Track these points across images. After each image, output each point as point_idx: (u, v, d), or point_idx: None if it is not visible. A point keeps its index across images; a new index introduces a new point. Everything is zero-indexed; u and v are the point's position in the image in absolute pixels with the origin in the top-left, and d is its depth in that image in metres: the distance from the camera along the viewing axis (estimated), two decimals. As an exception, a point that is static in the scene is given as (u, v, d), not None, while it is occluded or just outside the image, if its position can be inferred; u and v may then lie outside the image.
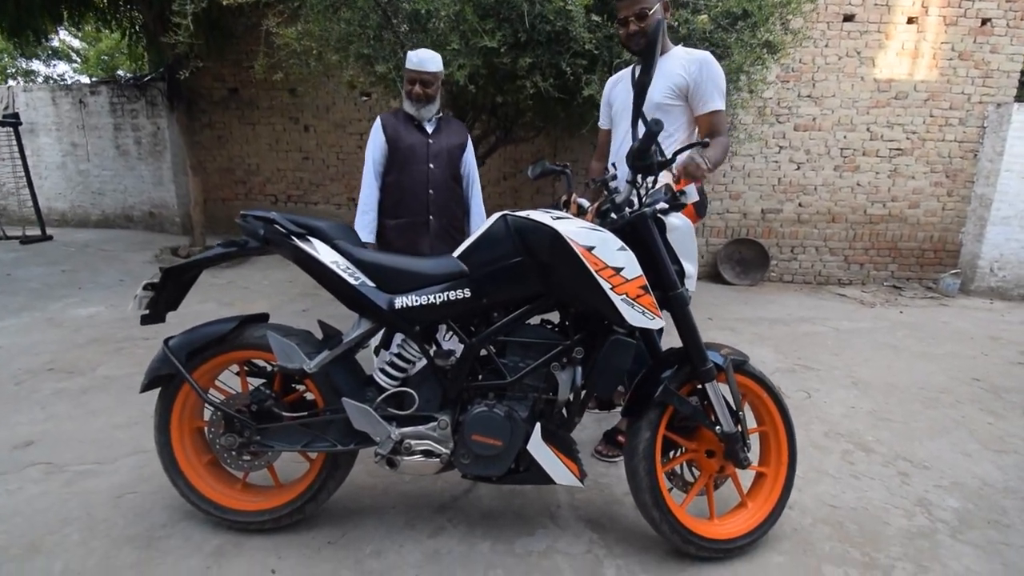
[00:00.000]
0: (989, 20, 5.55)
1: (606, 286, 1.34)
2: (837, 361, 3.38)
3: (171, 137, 6.83)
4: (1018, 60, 5.63)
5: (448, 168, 2.36)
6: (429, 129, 2.33)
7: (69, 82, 7.02)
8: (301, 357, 1.47)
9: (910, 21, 5.64)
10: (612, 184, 1.67)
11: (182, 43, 3.07)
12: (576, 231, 1.37)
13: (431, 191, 2.31)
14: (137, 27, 6.65)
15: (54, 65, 18.13)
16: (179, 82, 5.88)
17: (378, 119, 2.32)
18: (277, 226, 1.54)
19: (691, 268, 1.50)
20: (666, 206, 1.47)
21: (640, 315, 1.36)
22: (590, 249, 1.35)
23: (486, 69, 3.09)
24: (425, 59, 2.20)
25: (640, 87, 1.40)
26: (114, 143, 7.03)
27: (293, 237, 1.53)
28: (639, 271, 1.37)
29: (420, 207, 2.32)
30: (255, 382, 1.69)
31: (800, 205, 6.01)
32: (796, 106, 5.82)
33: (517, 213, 1.49)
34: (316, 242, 1.54)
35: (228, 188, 7.15)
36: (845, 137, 5.86)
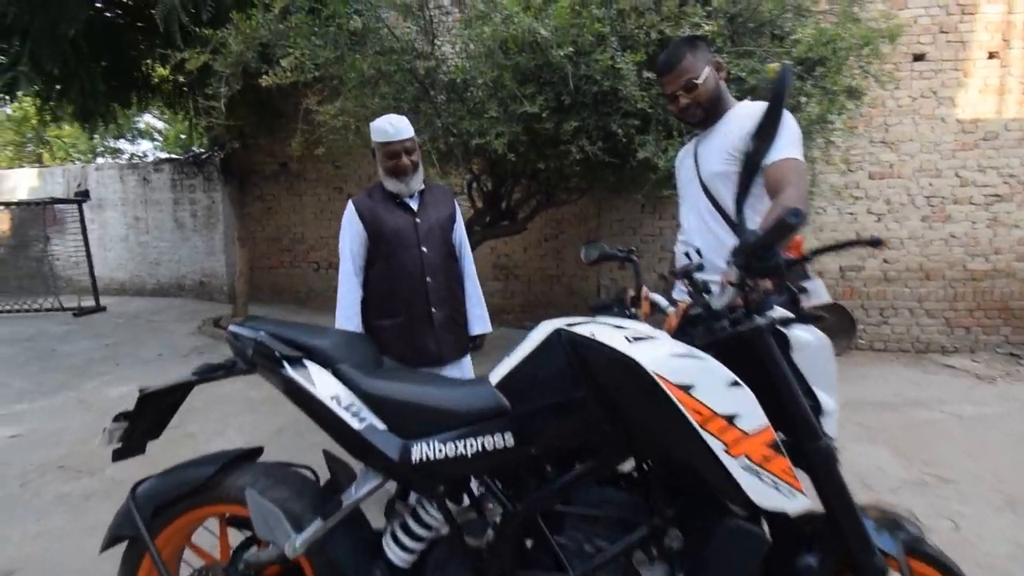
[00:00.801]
0: (1088, 50, 4.93)
1: (716, 445, 0.91)
2: (975, 465, 2.68)
3: (224, 210, 7.06)
4: None
5: (443, 247, 1.98)
6: (414, 205, 1.95)
7: (136, 161, 7.51)
8: (285, 530, 1.10)
9: (991, 56, 5.10)
10: (697, 276, 1.27)
11: (219, 124, 3.03)
12: (665, 361, 0.95)
13: (428, 279, 1.93)
14: (197, 109, 7.06)
15: (138, 143, 20.09)
16: (230, 158, 6.08)
17: (350, 204, 1.92)
18: (266, 347, 1.22)
19: (830, 402, 1.04)
20: (789, 315, 1.04)
21: (771, 489, 0.91)
22: (687, 389, 0.93)
23: (527, 135, 2.85)
24: (401, 127, 1.86)
25: (749, 162, 1.02)
26: (172, 216, 7.33)
27: (284, 363, 1.20)
28: (763, 420, 0.93)
29: (418, 300, 1.92)
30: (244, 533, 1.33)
31: (885, 261, 5.34)
32: (868, 153, 5.29)
33: (577, 326, 1.10)
34: (312, 368, 1.21)
35: (275, 256, 7.25)
36: (930, 184, 5.23)
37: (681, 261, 1.68)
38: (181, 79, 5.83)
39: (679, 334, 1.16)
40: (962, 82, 5.15)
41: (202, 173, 7.23)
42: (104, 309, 6.08)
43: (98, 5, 3.73)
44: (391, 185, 1.90)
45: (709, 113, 1.58)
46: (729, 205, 1.56)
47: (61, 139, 15.67)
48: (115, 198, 7.54)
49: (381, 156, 1.87)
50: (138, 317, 5.99)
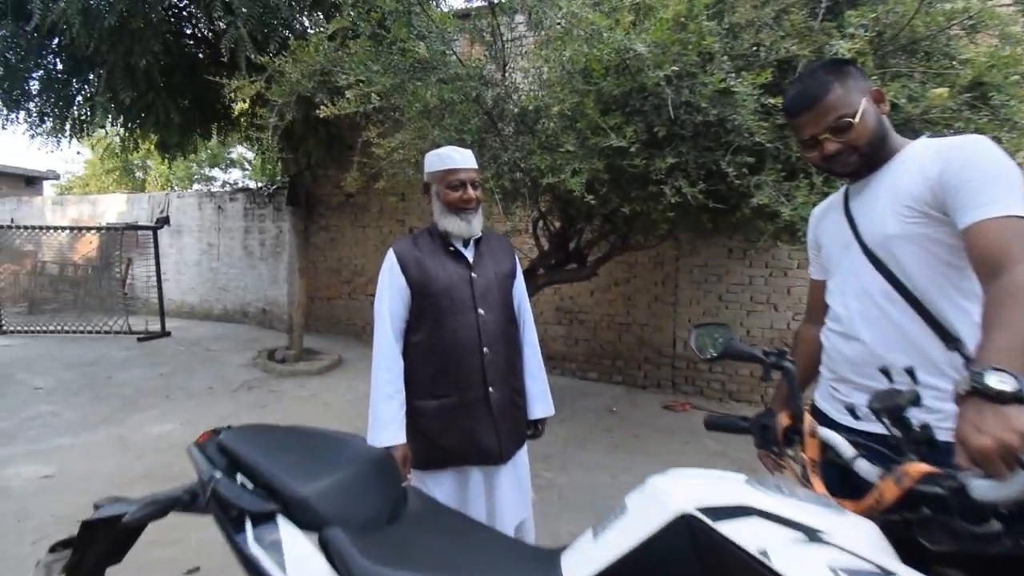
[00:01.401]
0: None
1: None
2: None
3: (290, 239, 7.12)
4: None
5: (502, 309, 1.59)
6: (469, 256, 1.57)
7: (215, 190, 7.84)
8: None
9: None
10: (914, 417, 0.74)
11: (272, 154, 2.83)
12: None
13: (486, 349, 1.51)
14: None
15: (229, 173, 21.73)
16: (297, 189, 6.10)
17: (390, 254, 1.55)
18: (223, 498, 0.80)
19: None
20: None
21: None
22: None
23: (608, 173, 2.38)
24: (467, 155, 1.56)
25: None
26: (242, 244, 7.49)
27: (246, 525, 0.77)
28: None
29: (473, 375, 1.51)
30: None
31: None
32: None
33: (724, 521, 0.60)
34: (287, 532, 0.77)
35: (334, 287, 7.18)
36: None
37: (853, 372, 1.10)
38: (258, 112, 6.01)
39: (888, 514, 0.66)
40: None
41: (272, 203, 7.36)
42: (168, 334, 6.17)
43: (173, 38, 3.75)
44: (452, 224, 1.53)
45: (868, 160, 1.08)
46: (922, 286, 1.01)
47: (159, 167, 17.18)
48: (192, 224, 7.85)
49: (442, 188, 1.53)
50: (198, 344, 6.01)
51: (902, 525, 0.73)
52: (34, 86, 4.22)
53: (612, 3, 2.27)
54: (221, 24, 3.33)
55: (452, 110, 2.66)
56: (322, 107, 2.84)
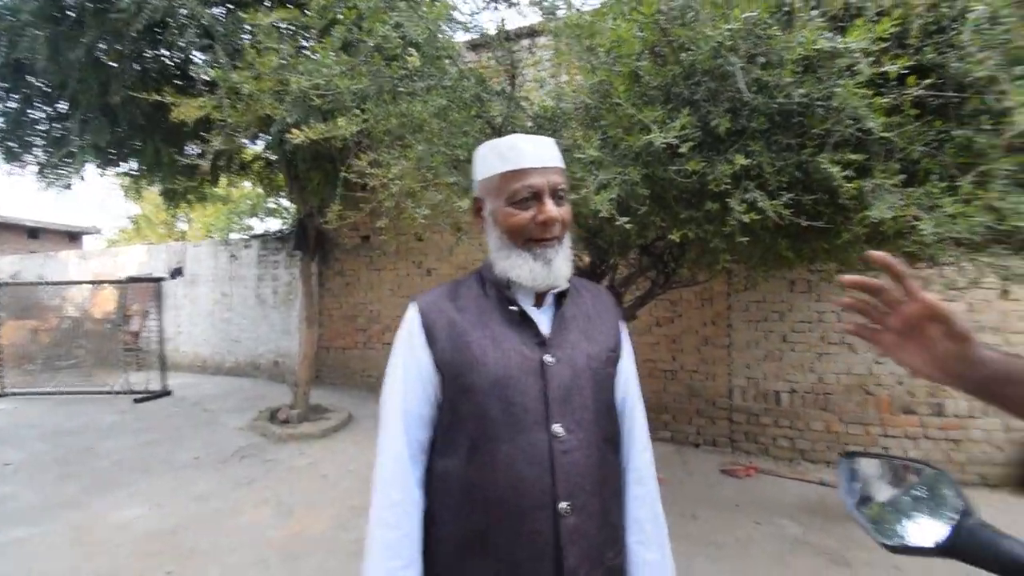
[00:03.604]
0: None
1: None
2: None
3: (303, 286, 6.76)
4: None
5: (597, 424, 0.88)
6: (543, 321, 0.90)
7: (229, 239, 7.62)
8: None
9: None
10: None
11: (257, 179, 2.34)
12: None
13: (563, 503, 0.82)
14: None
15: (266, 221, 22.14)
16: (304, 232, 5.73)
17: (412, 310, 0.91)
18: None
19: None
20: None
21: None
22: None
23: (648, 187, 1.75)
24: (544, 145, 0.88)
25: None
26: (255, 292, 7.16)
27: None
28: None
29: (536, 548, 0.81)
30: None
31: None
32: None
33: None
34: None
35: (349, 336, 6.70)
36: None
37: None
38: (270, 155, 5.73)
39: None
40: None
41: (285, 249, 7.06)
42: (169, 393, 5.77)
43: (157, 74, 3.44)
44: (518, 268, 0.87)
45: None
46: None
47: (200, 219, 17.60)
48: (207, 274, 7.61)
49: (500, 206, 0.87)
50: (198, 404, 5.55)
51: None
52: (30, 135, 3.99)
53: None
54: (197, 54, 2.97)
55: (445, 119, 2.12)
56: (294, 131, 2.37)
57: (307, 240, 5.85)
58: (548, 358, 0.86)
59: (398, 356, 0.89)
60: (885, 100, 1.45)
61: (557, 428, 0.84)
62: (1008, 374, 0.54)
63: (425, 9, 2.22)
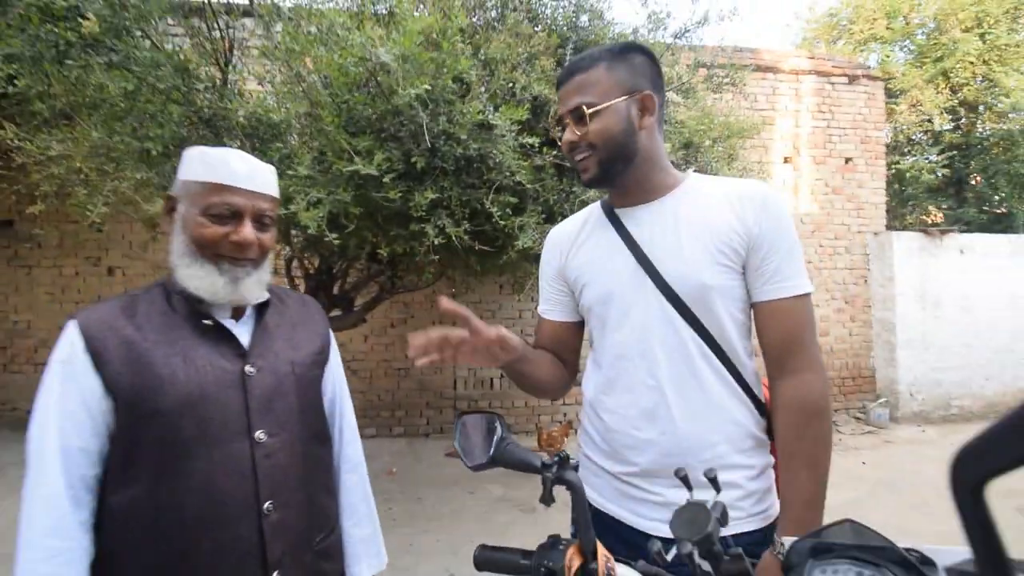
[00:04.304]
0: (851, 159, 6.00)
1: None
2: None
3: None
4: (881, 194, 6.07)
5: (302, 424, 0.94)
6: (243, 334, 0.92)
7: None
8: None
9: (785, 161, 5.90)
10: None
11: None
12: None
13: (267, 504, 0.86)
14: None
15: None
16: None
17: (71, 330, 0.81)
18: None
19: None
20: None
21: None
22: None
23: (360, 206, 1.96)
24: (259, 169, 0.91)
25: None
26: None
27: None
28: None
29: (241, 558, 0.85)
30: None
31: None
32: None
33: None
34: None
35: (-27, 357, 4.87)
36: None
37: (660, 460, 0.89)
38: None
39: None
40: (768, 181, 5.83)
41: None
42: None
43: None
44: (198, 280, 0.85)
45: (609, 170, 0.91)
46: (737, 346, 0.90)
47: None
48: None
49: (194, 214, 0.85)
50: None
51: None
52: None
53: (356, 8, 1.91)
54: None
55: (133, 107, 1.88)
56: None
57: None
58: (249, 369, 0.88)
59: (52, 385, 0.80)
60: (534, 162, 2.03)
61: (260, 435, 0.86)
62: (523, 355, 0.94)
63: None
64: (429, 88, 1.67)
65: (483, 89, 1.86)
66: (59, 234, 4.93)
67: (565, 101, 0.91)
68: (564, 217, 2.16)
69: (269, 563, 0.85)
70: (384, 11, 1.85)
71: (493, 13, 2.09)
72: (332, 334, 1.08)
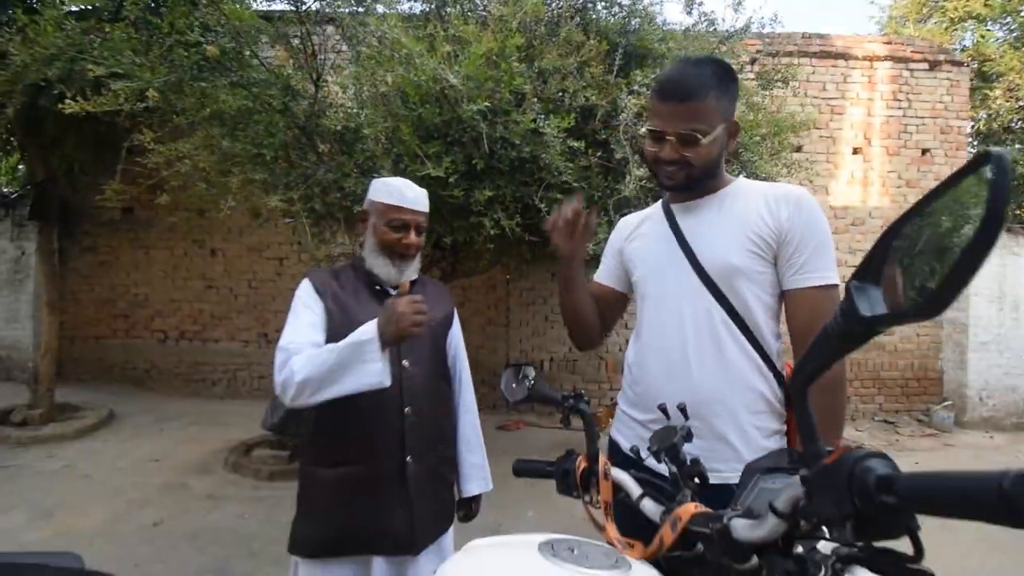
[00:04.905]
0: (928, 150, 5.69)
1: None
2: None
3: (36, 265, 5.53)
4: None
5: (433, 363, 1.36)
6: None
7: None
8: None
9: (855, 152, 5.69)
10: (688, 451, 0.80)
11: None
12: None
13: (407, 408, 1.27)
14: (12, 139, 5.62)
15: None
16: (45, 199, 4.78)
17: (305, 283, 1.31)
18: None
19: None
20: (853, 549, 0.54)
21: None
22: None
23: (430, 202, 2.30)
24: (420, 197, 1.35)
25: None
26: (-41, 269, 5.60)
27: None
28: None
29: (389, 441, 1.27)
30: None
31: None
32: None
33: None
34: None
35: (105, 324, 5.77)
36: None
37: (640, 406, 1.15)
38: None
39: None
40: (833, 173, 5.66)
41: (11, 217, 5.67)
42: None
43: None
44: (381, 268, 1.31)
45: (695, 183, 1.07)
46: (761, 322, 1.04)
47: None
48: None
49: (380, 224, 1.31)
50: None
51: (683, 563, 0.76)
52: None
53: (428, 29, 2.23)
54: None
55: (250, 120, 2.32)
56: (68, 102, 2.24)
57: (49, 209, 4.88)
58: None
59: (298, 304, 1.26)
60: (580, 163, 2.27)
61: (405, 363, 1.28)
62: (582, 282, 1.20)
63: (224, 7, 2.34)
64: (487, 104, 1.97)
65: (536, 99, 2.12)
66: (172, 220, 5.73)
67: (673, 121, 1.00)
68: (606, 212, 2.40)
69: (407, 447, 1.27)
70: (454, 34, 2.14)
71: (545, 28, 2.33)
72: (455, 309, 1.50)
